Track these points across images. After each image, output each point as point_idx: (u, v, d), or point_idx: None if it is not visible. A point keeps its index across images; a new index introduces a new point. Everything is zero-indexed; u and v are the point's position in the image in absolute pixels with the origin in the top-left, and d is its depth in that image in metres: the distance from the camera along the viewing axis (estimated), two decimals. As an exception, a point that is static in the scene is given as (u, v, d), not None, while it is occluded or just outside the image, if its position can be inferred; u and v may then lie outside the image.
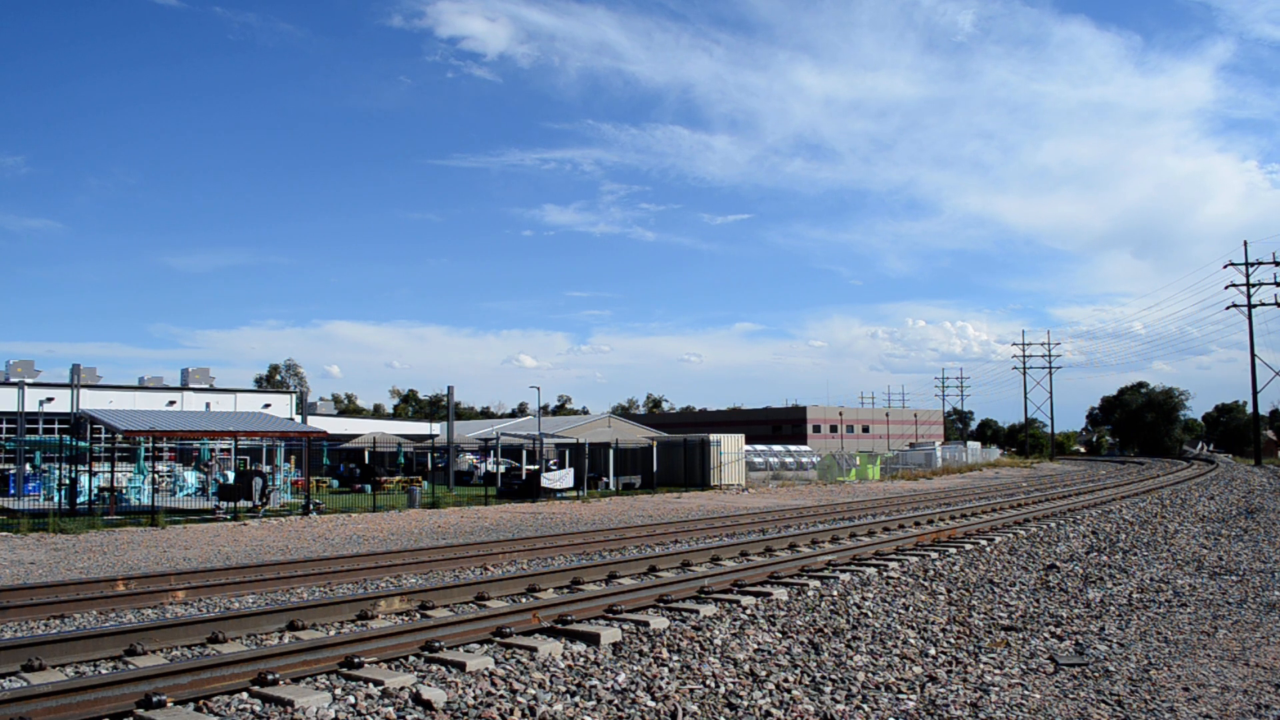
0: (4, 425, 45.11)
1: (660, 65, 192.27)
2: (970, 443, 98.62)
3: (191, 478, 34.46)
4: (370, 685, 6.95)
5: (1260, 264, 69.96)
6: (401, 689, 6.85)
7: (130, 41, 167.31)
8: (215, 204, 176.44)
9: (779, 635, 9.11)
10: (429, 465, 52.07)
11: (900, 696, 7.16)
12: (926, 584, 12.27)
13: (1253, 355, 69.86)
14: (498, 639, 8.44)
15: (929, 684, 7.55)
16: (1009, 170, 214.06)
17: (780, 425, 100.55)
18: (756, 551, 15.68)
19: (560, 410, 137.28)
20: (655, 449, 45.45)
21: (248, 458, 44.33)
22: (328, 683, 7.08)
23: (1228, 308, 72.35)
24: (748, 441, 50.28)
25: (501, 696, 6.79)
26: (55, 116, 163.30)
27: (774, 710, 6.72)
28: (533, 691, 6.95)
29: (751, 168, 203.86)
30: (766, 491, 40.93)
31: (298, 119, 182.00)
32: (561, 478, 35.65)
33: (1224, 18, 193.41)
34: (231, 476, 31.47)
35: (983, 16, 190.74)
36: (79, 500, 27.41)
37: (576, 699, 6.83)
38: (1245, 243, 70.35)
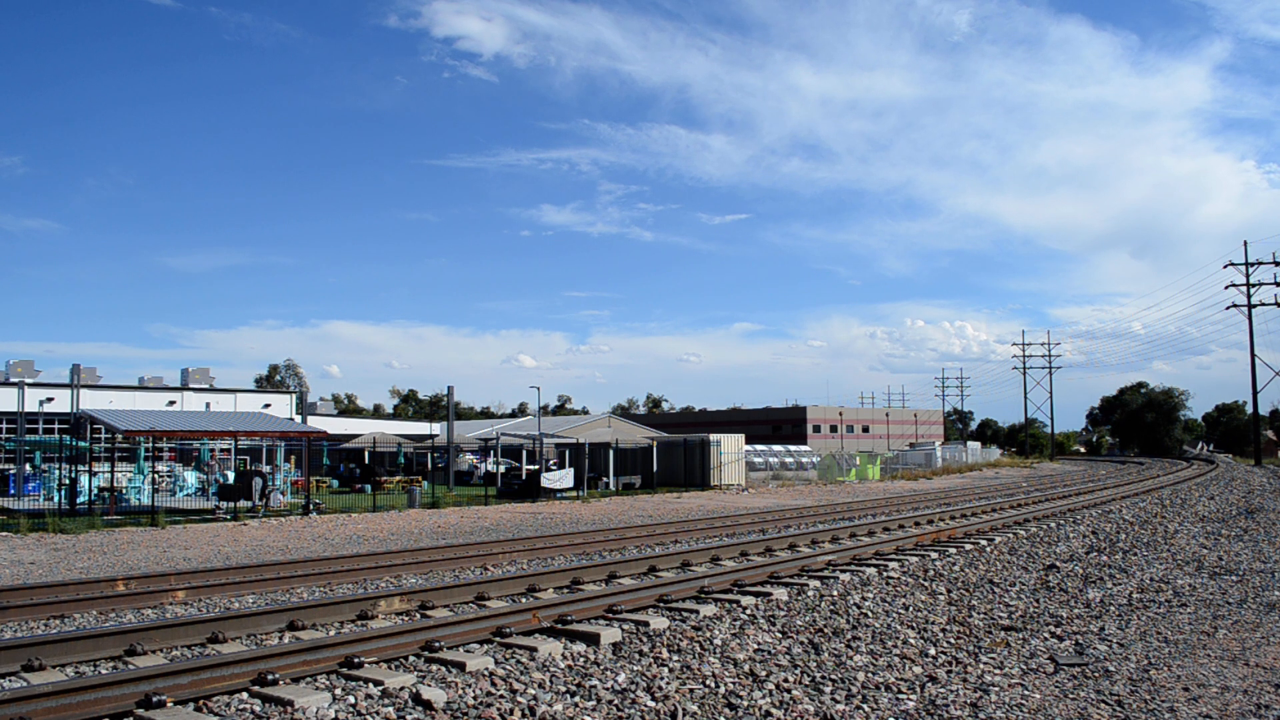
0: (4, 425, 45.11)
1: (656, 65, 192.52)
2: (970, 443, 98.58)
3: (191, 478, 34.46)
4: (370, 685, 6.95)
5: (1260, 264, 70.02)
6: (401, 689, 6.84)
7: (126, 42, 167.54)
8: (213, 204, 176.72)
9: (779, 635, 9.11)
10: (429, 465, 52.07)
11: (900, 696, 7.16)
12: (926, 584, 12.27)
13: (1253, 355, 69.93)
14: (498, 639, 8.44)
15: (929, 684, 7.55)
16: (1006, 170, 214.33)
17: (780, 425, 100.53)
18: (756, 551, 15.67)
19: (560, 410, 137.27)
20: (655, 449, 45.45)
21: (248, 458, 44.32)
22: (328, 683, 7.08)
23: (1228, 308, 72.40)
24: (748, 441, 50.27)
25: (501, 696, 6.79)
26: (51, 117, 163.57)
27: (774, 710, 6.72)
28: (533, 691, 6.95)
29: (748, 167, 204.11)
30: (766, 491, 40.92)
31: (294, 119, 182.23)
32: (561, 478, 35.64)
33: (1220, 17, 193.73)
34: (231, 476, 31.48)
35: (979, 16, 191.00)
36: (79, 500, 27.41)
37: (576, 699, 6.83)
38: (1245, 243, 70.42)
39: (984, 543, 16.61)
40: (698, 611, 9.88)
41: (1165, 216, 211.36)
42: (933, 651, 8.67)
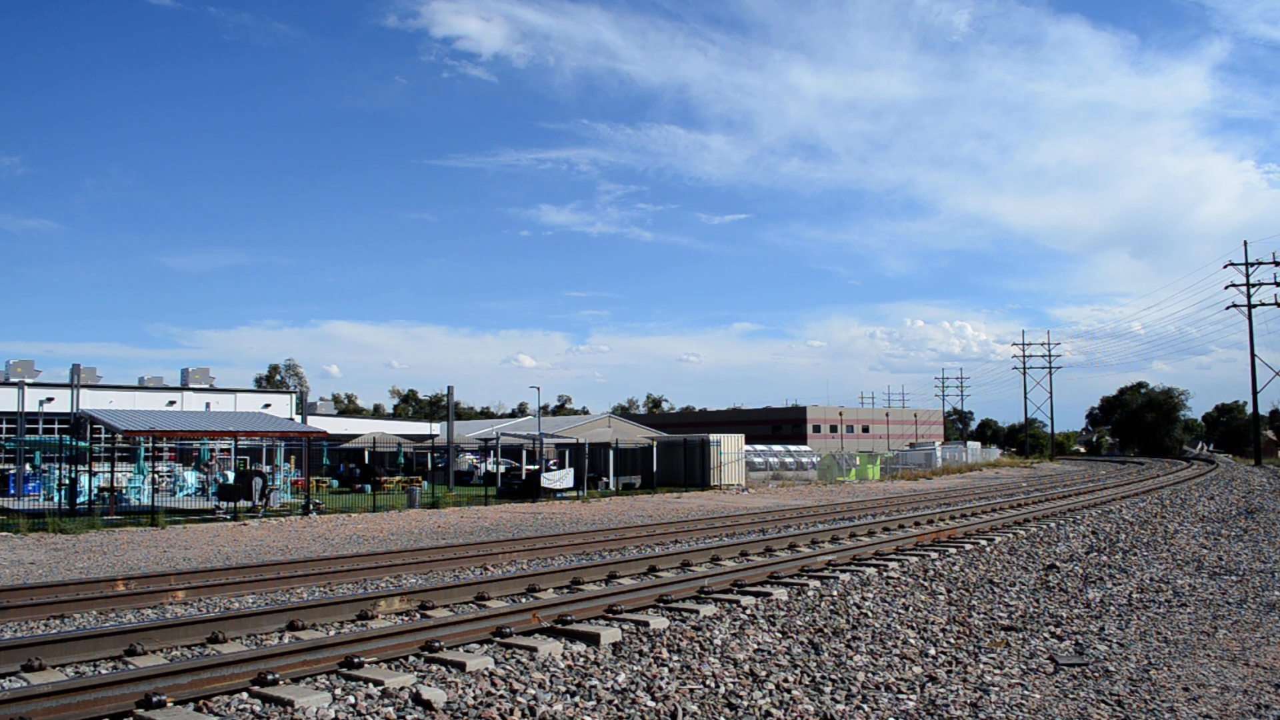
0: (4, 425, 45.11)
1: (655, 65, 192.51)
2: (970, 443, 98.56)
3: (191, 478, 34.45)
4: (370, 685, 6.95)
5: (1260, 264, 70.03)
6: (401, 689, 6.85)
7: (125, 42, 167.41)
8: (212, 204, 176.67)
9: (779, 635, 9.11)
10: (429, 465, 52.07)
11: (900, 696, 7.16)
12: (926, 584, 12.27)
13: (1253, 355, 69.93)
14: (498, 639, 8.44)
15: (929, 684, 7.55)
16: (1006, 170, 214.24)
17: (780, 425, 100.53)
18: (756, 551, 15.67)
19: (560, 410, 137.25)
20: (655, 449, 45.44)
21: (248, 458, 44.30)
22: (328, 683, 7.08)
23: (1228, 308, 72.41)
24: (748, 441, 50.26)
25: (501, 696, 6.79)
26: (51, 116, 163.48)
27: (774, 710, 6.72)
28: (533, 691, 6.95)
29: (748, 168, 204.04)
30: (766, 491, 40.92)
31: (294, 119, 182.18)
32: (561, 478, 35.64)
33: (1219, 17, 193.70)
34: (231, 476, 31.47)
35: (978, 16, 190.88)
36: (79, 500, 27.40)
37: (576, 699, 6.83)
38: (1245, 243, 70.43)
39: (984, 543, 16.61)
40: (698, 611, 9.88)
41: (1165, 216, 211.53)
42: (933, 651, 8.67)
